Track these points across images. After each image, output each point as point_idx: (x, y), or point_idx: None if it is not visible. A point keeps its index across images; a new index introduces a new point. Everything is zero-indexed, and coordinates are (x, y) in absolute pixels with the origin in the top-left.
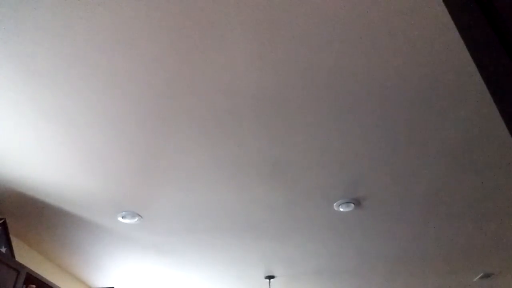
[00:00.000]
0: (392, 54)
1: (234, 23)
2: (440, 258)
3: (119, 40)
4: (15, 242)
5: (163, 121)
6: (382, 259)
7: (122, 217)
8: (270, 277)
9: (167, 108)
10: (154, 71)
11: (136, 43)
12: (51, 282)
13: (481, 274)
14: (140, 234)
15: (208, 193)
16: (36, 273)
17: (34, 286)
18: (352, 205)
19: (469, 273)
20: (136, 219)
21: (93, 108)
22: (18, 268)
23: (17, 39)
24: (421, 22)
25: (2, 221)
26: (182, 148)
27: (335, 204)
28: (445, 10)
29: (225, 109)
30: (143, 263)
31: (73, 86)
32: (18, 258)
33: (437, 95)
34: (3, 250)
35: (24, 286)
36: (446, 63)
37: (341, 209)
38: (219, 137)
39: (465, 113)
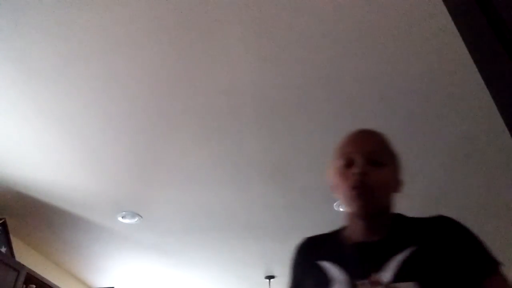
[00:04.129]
0: (392, 54)
1: (234, 23)
2: None
3: (119, 40)
4: (15, 242)
5: (163, 121)
6: None
7: (122, 217)
8: (270, 277)
9: (167, 108)
10: (154, 71)
11: (136, 43)
12: (51, 282)
13: None
14: (140, 234)
15: (208, 193)
16: (36, 273)
17: (34, 286)
18: None
19: None
20: (136, 219)
21: (93, 108)
22: (18, 268)
23: (17, 39)
24: (421, 22)
25: (2, 221)
26: (182, 148)
27: (335, 204)
28: (445, 10)
29: (225, 109)
30: (143, 263)
31: (73, 86)
32: (18, 258)
33: (436, 95)
34: (3, 250)
35: (24, 286)
36: (446, 63)
37: (341, 209)
38: (219, 137)
39: (464, 113)
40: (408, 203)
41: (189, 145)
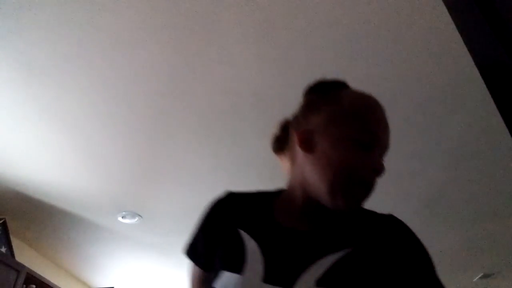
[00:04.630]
0: (391, 54)
1: (234, 23)
2: (440, 258)
3: (119, 40)
4: (15, 242)
5: (163, 120)
6: None
7: (122, 217)
8: None
9: (167, 108)
10: (154, 71)
11: (137, 43)
12: (51, 282)
13: (481, 274)
14: (140, 234)
15: (208, 193)
16: (36, 273)
17: (34, 286)
18: None
19: (469, 273)
20: (136, 219)
21: (93, 108)
22: (18, 268)
23: (18, 39)
24: (421, 22)
25: (2, 221)
26: (182, 148)
27: None
28: (445, 10)
29: (225, 109)
30: (143, 263)
31: (73, 86)
32: (18, 258)
33: (437, 95)
34: (3, 250)
35: (24, 286)
36: (446, 63)
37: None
38: (219, 137)
39: (465, 113)
40: (408, 203)
41: (189, 145)
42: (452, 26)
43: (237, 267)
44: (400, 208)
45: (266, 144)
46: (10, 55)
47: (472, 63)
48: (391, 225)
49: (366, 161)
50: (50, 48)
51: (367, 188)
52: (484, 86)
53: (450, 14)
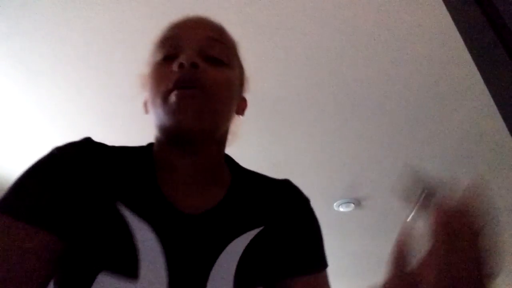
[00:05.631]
0: (392, 54)
1: (234, 24)
2: None
3: (119, 40)
4: None
5: None
6: (382, 260)
7: None
8: None
9: None
10: None
11: (136, 44)
12: None
13: None
14: None
15: None
16: None
17: None
18: (352, 205)
19: None
20: None
21: (93, 108)
22: None
23: (18, 41)
24: (421, 22)
25: None
26: None
27: (335, 204)
28: (445, 10)
29: None
30: None
31: (73, 86)
32: None
33: (437, 95)
34: None
35: None
36: (446, 63)
37: (341, 209)
38: None
39: (465, 113)
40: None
41: None
42: (452, 25)
43: (126, 267)
44: (400, 207)
45: (266, 144)
46: (10, 56)
47: (472, 63)
48: (293, 194)
49: (169, 69)
50: (50, 48)
51: (189, 90)
52: (484, 86)
53: (450, 13)
